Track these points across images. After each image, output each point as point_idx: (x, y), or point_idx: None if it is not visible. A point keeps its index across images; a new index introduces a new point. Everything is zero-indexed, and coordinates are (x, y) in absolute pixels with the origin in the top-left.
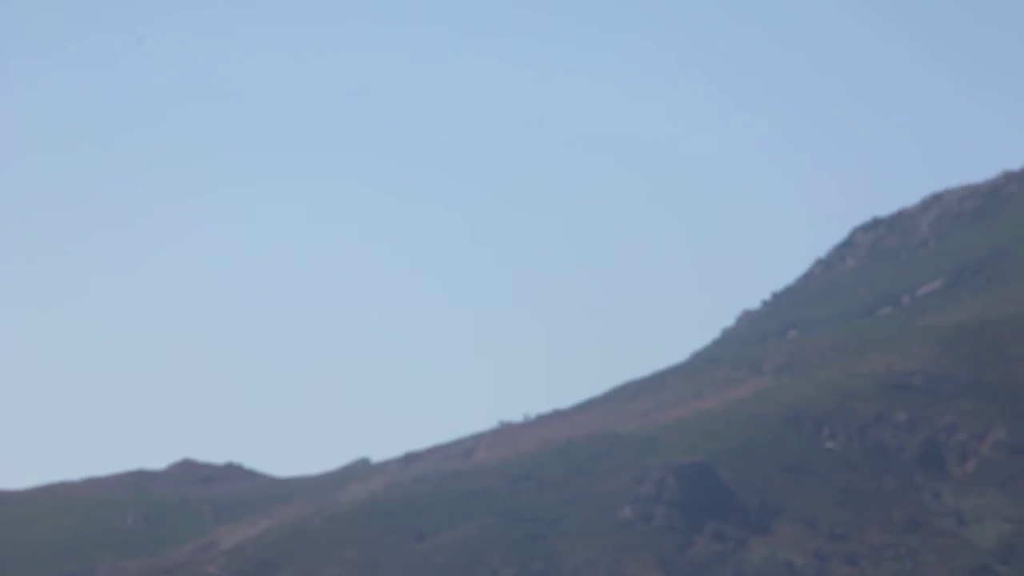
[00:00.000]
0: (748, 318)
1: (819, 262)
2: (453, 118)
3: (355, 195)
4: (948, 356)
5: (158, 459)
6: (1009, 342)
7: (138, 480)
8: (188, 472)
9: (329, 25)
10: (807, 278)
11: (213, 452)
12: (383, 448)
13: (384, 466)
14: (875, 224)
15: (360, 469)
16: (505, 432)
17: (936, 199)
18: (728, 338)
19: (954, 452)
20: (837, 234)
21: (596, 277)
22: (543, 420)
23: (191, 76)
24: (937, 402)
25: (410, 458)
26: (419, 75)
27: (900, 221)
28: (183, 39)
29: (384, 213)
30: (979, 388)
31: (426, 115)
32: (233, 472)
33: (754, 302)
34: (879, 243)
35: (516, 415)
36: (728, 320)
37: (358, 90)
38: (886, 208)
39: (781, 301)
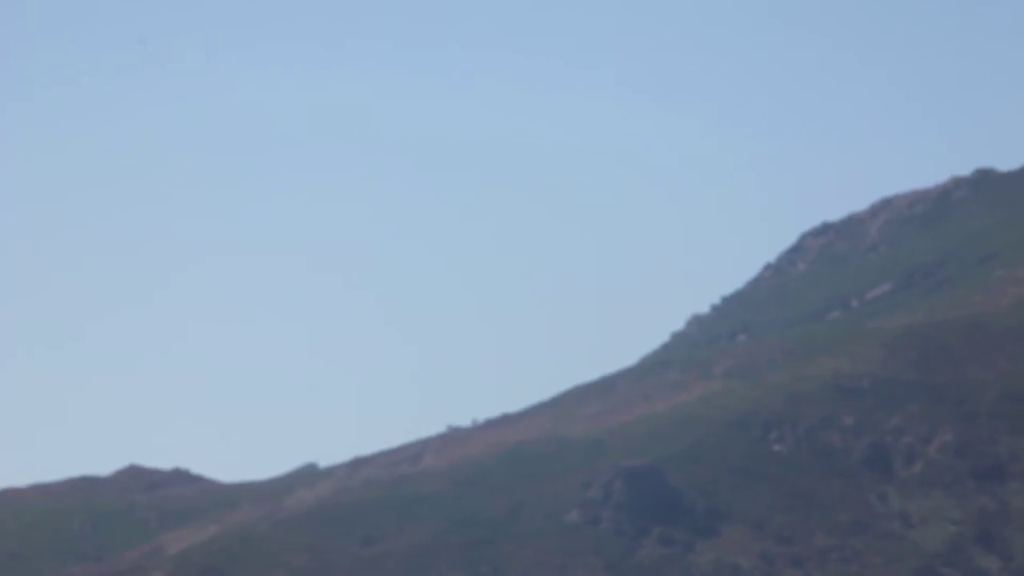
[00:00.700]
0: (697, 322)
1: (769, 267)
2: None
3: (350, 193)
4: (896, 360)
5: (104, 465)
6: (956, 346)
7: (84, 486)
8: (134, 478)
9: (329, 25)
10: (756, 283)
11: (160, 458)
12: (331, 453)
13: (332, 471)
14: (824, 229)
15: (308, 474)
16: (453, 437)
17: (885, 204)
18: (677, 342)
19: (901, 455)
20: (787, 239)
21: (545, 282)
22: (491, 425)
23: (191, 76)
24: (884, 405)
25: (358, 463)
26: (418, 75)
27: (849, 226)
28: (183, 39)
29: (334, 217)
30: (926, 391)
31: (425, 118)
32: (180, 478)
33: (703, 306)
34: (828, 248)
35: (464, 420)
36: (678, 324)
37: (357, 90)
38: (836, 213)
39: (730, 305)
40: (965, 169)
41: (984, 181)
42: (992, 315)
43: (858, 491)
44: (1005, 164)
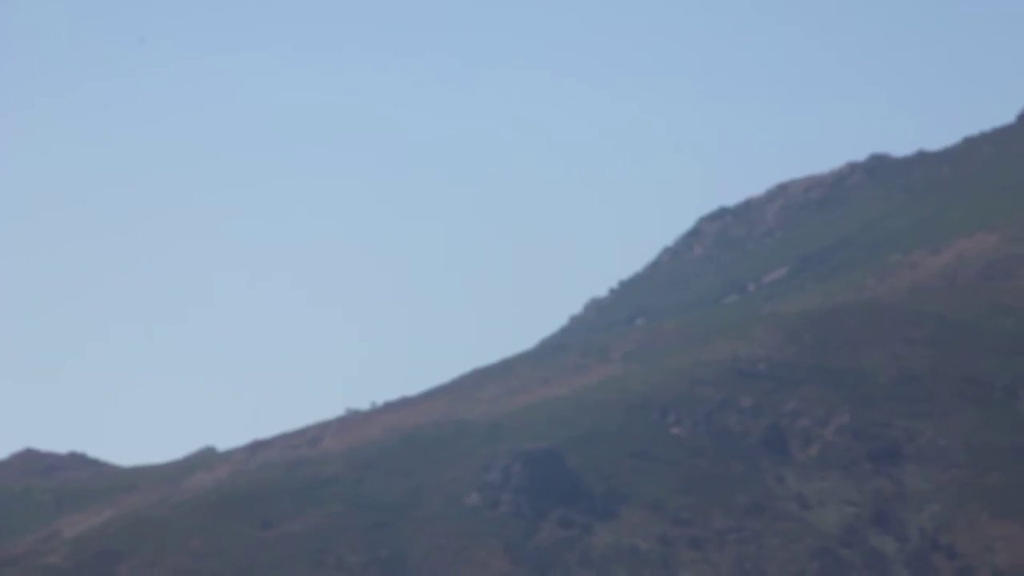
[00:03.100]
0: (596, 306)
1: (667, 250)
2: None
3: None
4: (792, 343)
5: None
6: (852, 329)
7: None
8: (29, 462)
9: (329, 24)
10: (655, 266)
11: (55, 441)
12: (229, 436)
13: (230, 454)
14: (722, 213)
15: (206, 457)
16: (352, 420)
17: (782, 189)
18: (576, 326)
19: (797, 437)
20: (684, 223)
21: (444, 264)
22: (390, 407)
23: (191, 76)
24: (781, 388)
25: (256, 446)
26: (417, 76)
27: (746, 211)
28: (183, 39)
29: (244, 203)
30: (822, 374)
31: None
32: (76, 461)
33: (602, 290)
34: (726, 232)
35: (363, 402)
36: (576, 308)
37: (357, 89)
38: (733, 198)
39: (629, 289)
40: (860, 155)
41: (879, 167)
42: (887, 299)
43: (756, 473)
44: (900, 150)
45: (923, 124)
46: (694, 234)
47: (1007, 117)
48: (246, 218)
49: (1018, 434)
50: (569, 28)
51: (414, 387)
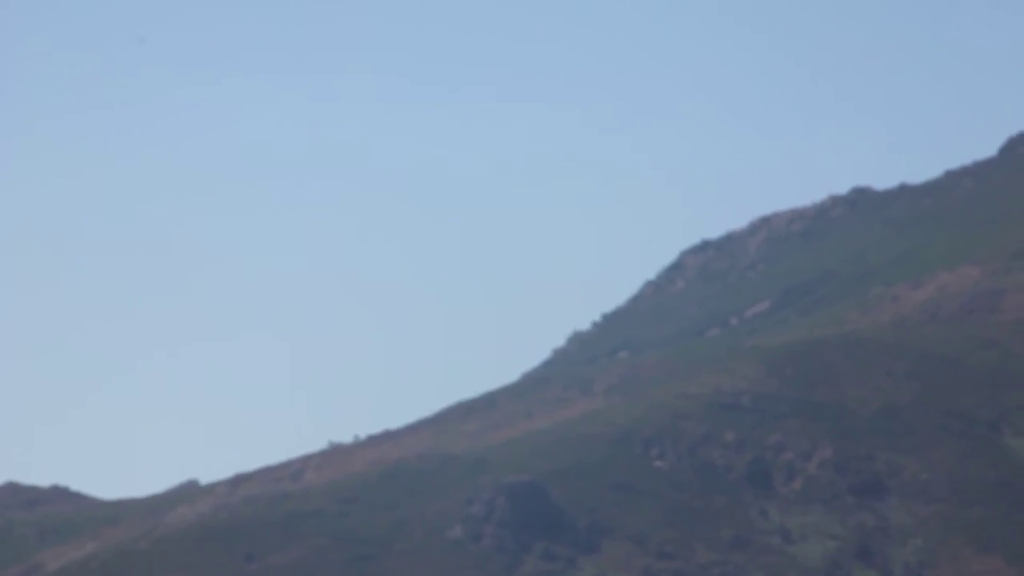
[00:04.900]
0: (579, 339)
1: (649, 284)
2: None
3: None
4: (775, 376)
5: None
6: (835, 363)
7: None
8: (12, 495)
9: (329, 24)
10: (637, 300)
11: (38, 474)
12: (212, 470)
13: (213, 488)
14: (704, 246)
15: (188, 491)
16: (335, 453)
17: (764, 222)
18: (559, 359)
19: (781, 471)
20: (667, 256)
21: (426, 297)
22: (373, 441)
23: (191, 76)
24: (764, 422)
25: (239, 479)
26: (417, 75)
27: (729, 243)
28: (183, 39)
29: (220, 229)
30: (805, 408)
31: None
32: (59, 494)
33: (585, 323)
34: (708, 265)
35: (346, 436)
36: (559, 341)
37: (356, 89)
38: (715, 231)
39: (612, 322)
40: (842, 187)
41: (861, 199)
42: (870, 332)
43: (739, 507)
44: (882, 183)
45: (905, 157)
46: (677, 267)
47: (988, 150)
48: (231, 250)
49: (1001, 468)
50: (552, 62)
51: (397, 420)
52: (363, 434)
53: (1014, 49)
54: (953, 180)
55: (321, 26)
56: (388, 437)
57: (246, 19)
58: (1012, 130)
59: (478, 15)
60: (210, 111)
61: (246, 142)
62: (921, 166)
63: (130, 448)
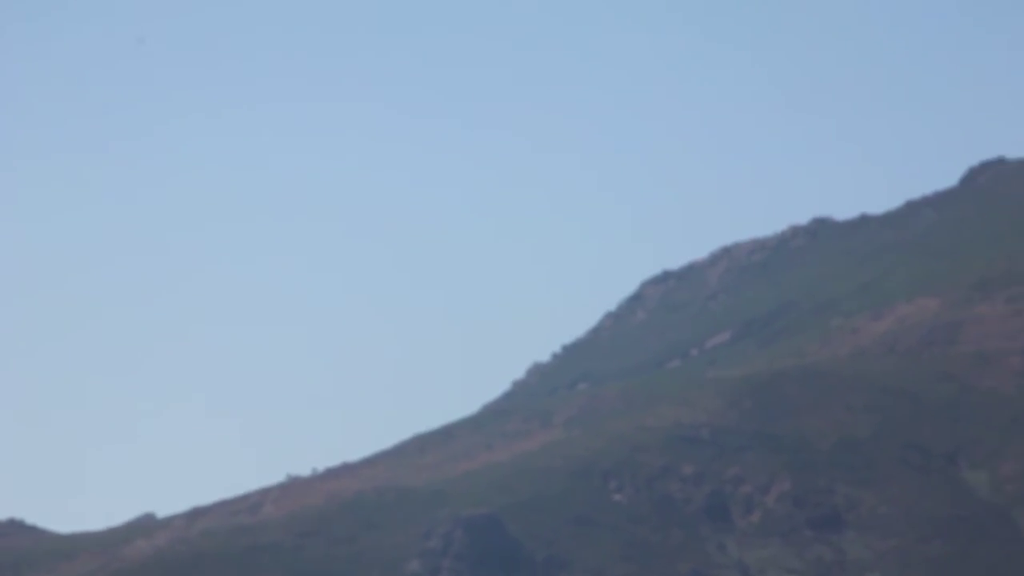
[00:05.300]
0: (539, 371)
1: (609, 315)
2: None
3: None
4: (734, 409)
5: None
6: (794, 395)
7: None
8: None
9: (328, 24)
10: (597, 331)
11: None
12: (169, 503)
13: (170, 521)
14: (665, 277)
15: (145, 524)
16: (293, 486)
17: (725, 252)
18: (519, 391)
19: (739, 504)
20: (627, 287)
21: (385, 329)
22: (331, 474)
23: (191, 76)
24: (723, 455)
25: (196, 513)
26: (417, 74)
27: (690, 274)
28: (183, 39)
29: (183, 269)
30: (764, 440)
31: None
32: (14, 528)
33: (544, 355)
34: (669, 296)
35: (304, 469)
36: (518, 373)
37: (356, 89)
38: (676, 261)
39: (571, 354)
40: (803, 218)
41: (821, 230)
42: (829, 364)
43: (697, 540)
44: (842, 213)
45: (865, 188)
46: (637, 298)
47: (949, 181)
48: (185, 279)
49: (958, 502)
50: (512, 91)
51: (355, 453)
52: (321, 467)
53: (974, 81)
54: (913, 211)
55: (321, 26)
56: (346, 470)
57: (246, 19)
58: (972, 161)
59: (438, 44)
60: (210, 111)
61: (246, 141)
62: (882, 197)
63: (86, 481)
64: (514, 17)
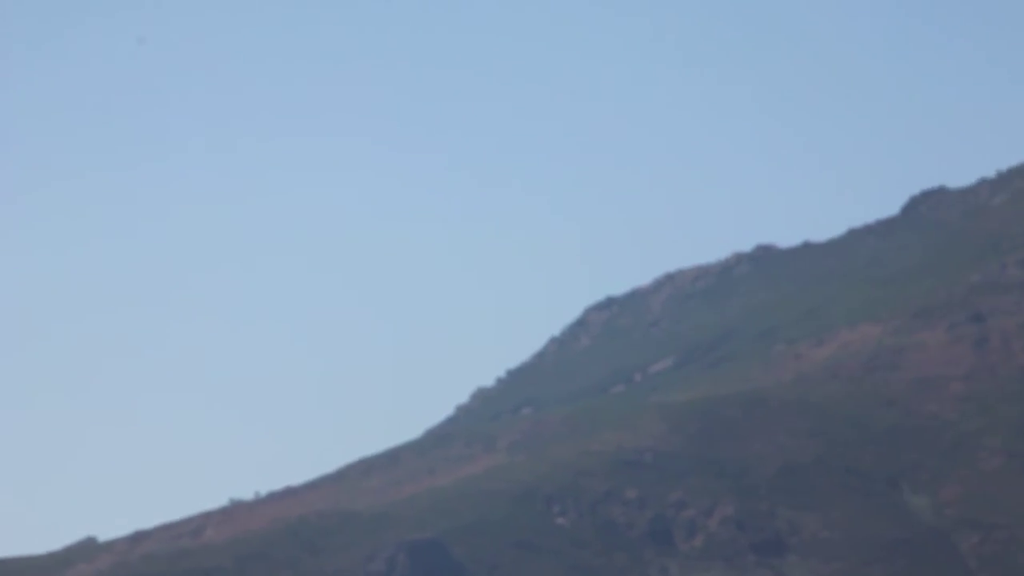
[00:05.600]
0: (482, 395)
1: (553, 340)
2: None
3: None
4: (678, 433)
5: None
6: (737, 420)
7: None
8: None
9: (328, 24)
10: (541, 356)
11: None
12: (110, 526)
13: (111, 545)
14: (608, 303)
15: (86, 548)
16: (235, 509)
17: (669, 279)
18: (462, 415)
19: (682, 528)
20: (571, 313)
21: (329, 352)
22: (274, 497)
23: (191, 76)
24: (666, 479)
25: (138, 536)
26: (417, 74)
27: (633, 300)
28: (183, 39)
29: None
30: (707, 465)
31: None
32: None
33: (488, 380)
34: (612, 322)
35: (247, 492)
36: (462, 397)
37: (355, 88)
38: (620, 288)
39: (515, 379)
40: (746, 245)
41: (765, 257)
42: (772, 389)
43: (640, 565)
44: (785, 240)
45: (808, 215)
46: (581, 324)
47: (891, 209)
48: (136, 294)
49: (901, 526)
50: (450, 121)
51: (299, 476)
52: (264, 491)
53: (915, 109)
54: (856, 239)
55: (321, 26)
56: (289, 493)
57: (247, 19)
58: (914, 189)
59: (372, 74)
60: (210, 111)
61: (245, 142)
62: (824, 225)
63: (26, 503)
64: (446, 48)
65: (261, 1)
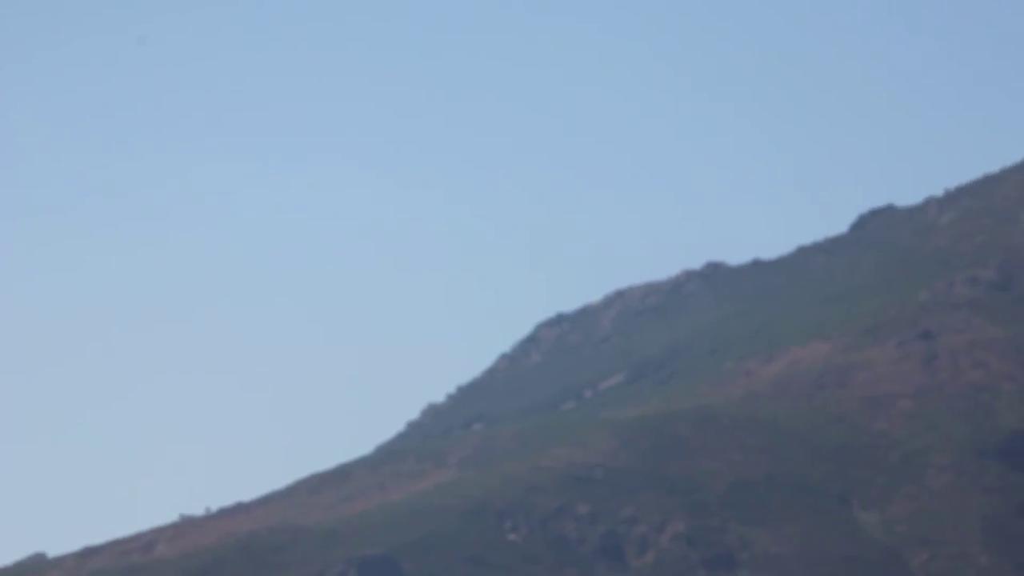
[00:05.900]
0: (433, 411)
1: (504, 356)
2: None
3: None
4: (629, 449)
5: None
6: (687, 436)
7: None
8: None
9: (328, 24)
10: (492, 372)
11: None
12: (59, 542)
13: (60, 561)
14: (559, 320)
15: (35, 564)
16: (186, 525)
17: (619, 296)
18: (413, 431)
19: (633, 544)
20: (522, 329)
21: (280, 367)
22: (225, 513)
23: (191, 76)
24: (617, 495)
25: (88, 552)
26: (417, 75)
27: (583, 317)
28: (183, 39)
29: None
30: (658, 481)
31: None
32: None
33: (439, 396)
34: (563, 338)
35: (197, 508)
36: (413, 413)
37: (355, 88)
38: (570, 305)
39: (466, 395)
40: (696, 262)
41: (715, 274)
42: (722, 406)
43: None
44: (735, 258)
45: (758, 233)
46: (532, 340)
47: (840, 227)
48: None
49: (850, 542)
50: (409, 130)
51: (249, 492)
52: (215, 506)
53: (863, 127)
54: (805, 256)
55: (321, 25)
56: (240, 509)
57: (247, 19)
58: (863, 207)
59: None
60: (210, 111)
61: (246, 142)
62: (774, 242)
63: None
64: (415, 61)
65: (261, 1)
